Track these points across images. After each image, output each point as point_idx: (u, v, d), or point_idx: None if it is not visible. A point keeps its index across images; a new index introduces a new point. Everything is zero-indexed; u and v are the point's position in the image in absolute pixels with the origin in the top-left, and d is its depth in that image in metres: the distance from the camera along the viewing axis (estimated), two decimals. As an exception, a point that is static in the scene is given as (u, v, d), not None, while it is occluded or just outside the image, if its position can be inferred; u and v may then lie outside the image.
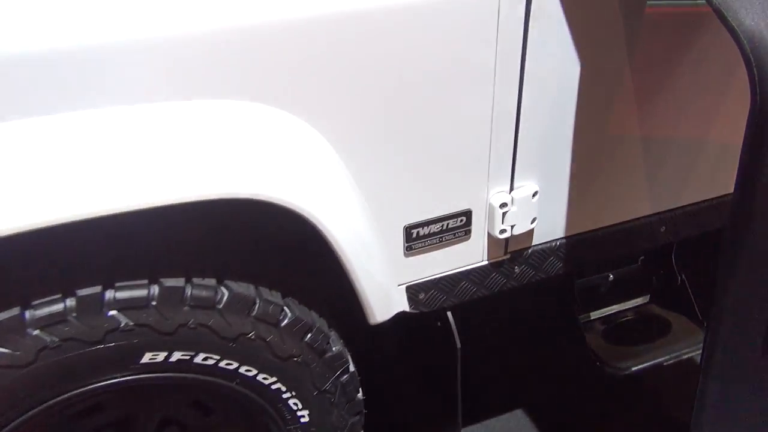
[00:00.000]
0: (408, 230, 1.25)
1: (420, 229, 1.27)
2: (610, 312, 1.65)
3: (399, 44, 1.07)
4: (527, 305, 1.63)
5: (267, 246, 1.19)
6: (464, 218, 1.29)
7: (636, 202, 1.46)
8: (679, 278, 1.63)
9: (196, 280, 1.07)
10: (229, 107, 0.99)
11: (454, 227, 1.29)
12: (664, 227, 1.51)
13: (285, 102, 1.04)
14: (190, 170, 0.95)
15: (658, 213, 1.49)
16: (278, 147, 1.04)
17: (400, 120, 1.14)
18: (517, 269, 1.42)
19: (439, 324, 1.46)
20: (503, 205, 1.29)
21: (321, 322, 1.23)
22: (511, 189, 1.31)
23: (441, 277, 1.35)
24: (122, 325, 1.02)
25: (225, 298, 1.09)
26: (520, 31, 1.15)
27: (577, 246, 1.45)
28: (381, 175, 1.18)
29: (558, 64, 1.21)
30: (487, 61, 1.15)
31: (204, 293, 1.07)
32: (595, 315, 1.64)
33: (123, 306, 1.01)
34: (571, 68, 1.23)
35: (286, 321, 1.16)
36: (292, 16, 0.99)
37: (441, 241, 1.30)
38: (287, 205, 1.03)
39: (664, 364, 1.49)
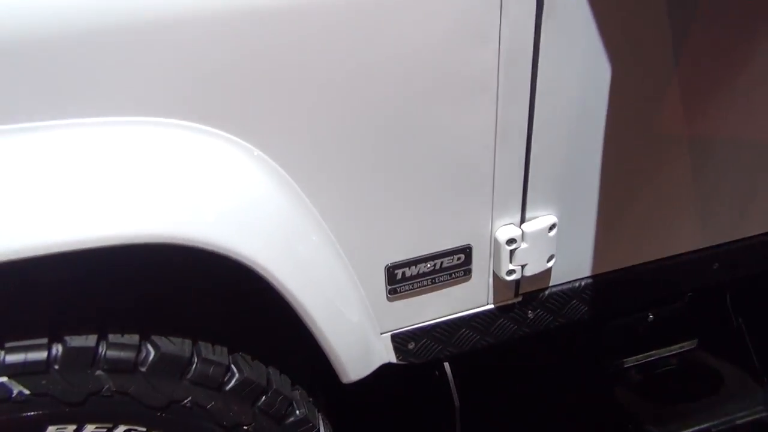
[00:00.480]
0: (390, 271, 1.02)
1: (406, 270, 1.03)
2: (648, 359, 1.39)
3: (370, 42, 0.84)
4: (543, 348, 1.38)
5: (210, 291, 0.98)
6: (462, 256, 1.05)
7: (682, 233, 1.19)
8: (735, 321, 1.36)
9: (112, 338, 0.86)
10: (130, 126, 0.78)
11: (450, 266, 1.06)
12: (717, 264, 1.24)
13: (214, 118, 0.82)
14: (72, 210, 0.74)
15: (710, 247, 1.22)
16: (203, 175, 0.82)
17: (374, 138, 0.91)
18: (530, 314, 1.17)
19: (437, 373, 1.23)
20: (511, 241, 1.04)
21: (282, 382, 1.02)
22: (522, 221, 1.06)
23: (435, 324, 1.11)
24: (15, 394, 0.82)
25: (151, 358, 0.88)
26: (530, 27, 0.90)
27: (608, 286, 1.20)
28: (352, 206, 0.95)
29: (581, 65, 0.96)
30: (486, 64, 0.90)
31: (122, 354, 0.87)
32: (628, 362, 1.38)
33: (16, 371, 0.82)
34: (599, 71, 0.97)
35: (232, 383, 0.95)
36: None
37: (434, 283, 1.06)
38: (216, 249, 0.82)
39: (713, 431, 1.23)
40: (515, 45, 0.90)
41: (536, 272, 1.09)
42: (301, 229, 0.91)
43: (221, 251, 0.82)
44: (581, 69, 0.96)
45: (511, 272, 1.07)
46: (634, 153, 1.07)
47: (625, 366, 1.37)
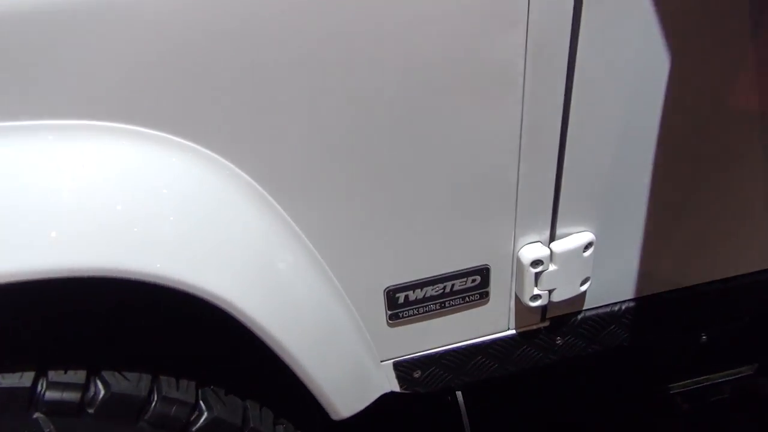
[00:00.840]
0: (390, 295, 0.87)
1: (409, 293, 0.88)
2: (698, 385, 1.21)
3: (362, 27, 0.67)
4: (577, 371, 1.21)
5: (175, 316, 0.84)
6: (478, 278, 0.89)
7: (743, 252, 1.00)
8: (804, 347, 1.16)
9: (53, 375, 0.74)
10: (58, 132, 0.63)
11: (464, 290, 0.89)
12: (785, 286, 1.04)
13: (163, 120, 0.67)
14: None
15: (777, 268, 1.03)
16: (142, 189, 0.68)
17: (372, 141, 0.74)
18: (559, 340, 1.00)
19: (449, 399, 1.08)
20: (537, 263, 0.87)
21: (262, 417, 0.88)
22: (552, 238, 0.89)
23: (445, 351, 0.96)
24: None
25: (100, 398, 0.75)
26: (568, 6, 0.71)
27: (654, 310, 1.02)
28: (343, 222, 0.80)
29: (631, 56, 0.77)
30: (510, 52, 0.72)
31: (65, 394, 0.74)
32: (675, 388, 1.20)
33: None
34: (654, 63, 0.78)
35: (200, 423, 0.82)
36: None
37: (443, 307, 0.90)
38: (160, 282, 0.67)
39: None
40: (548, 27, 0.72)
41: (566, 298, 0.92)
42: (276, 252, 0.76)
43: (164, 283, 0.68)
44: (631, 60, 0.76)
45: (535, 298, 0.90)
46: (691, 162, 0.88)
47: (671, 392, 1.19)
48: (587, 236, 0.89)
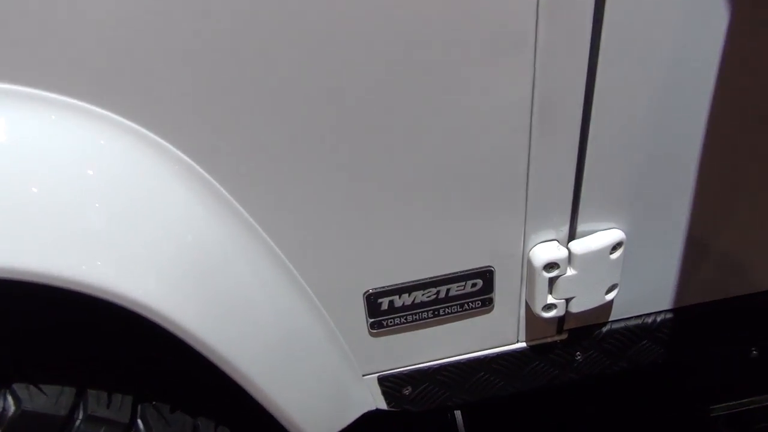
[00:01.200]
0: (371, 300, 0.72)
1: (394, 298, 0.73)
2: (745, 408, 1.03)
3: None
4: (600, 387, 1.05)
5: (110, 322, 0.71)
6: (480, 282, 0.74)
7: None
8: None
9: (-51, 389, 0.61)
10: None
11: (462, 295, 0.74)
12: None
13: (91, 92, 0.53)
14: None
15: None
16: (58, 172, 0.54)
17: (347, 117, 0.59)
18: (579, 356, 0.84)
19: (447, 418, 0.93)
20: (552, 266, 0.71)
21: (217, 437, 0.75)
22: (571, 237, 0.72)
23: (441, 366, 0.81)
24: None
25: (10, 416, 0.62)
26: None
27: (695, 323, 0.85)
28: (310, 212, 0.65)
29: (679, 8, 0.60)
30: (517, 3, 0.56)
31: (-37, 412, 0.61)
32: (718, 410, 1.03)
33: None
34: (706, 20, 0.61)
35: (136, 446, 0.68)
36: None
37: (437, 315, 0.75)
38: (74, 287, 0.54)
39: None
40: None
41: (588, 308, 0.76)
42: (224, 251, 0.62)
43: (76, 288, 0.54)
44: (677, 13, 0.60)
45: (549, 308, 0.75)
46: (747, 148, 0.70)
47: (712, 415, 1.02)
48: (615, 235, 0.72)
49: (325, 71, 0.56)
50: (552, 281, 0.73)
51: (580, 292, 0.74)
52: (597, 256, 0.72)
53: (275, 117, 0.58)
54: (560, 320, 0.80)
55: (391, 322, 0.74)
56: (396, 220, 0.67)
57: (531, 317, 0.79)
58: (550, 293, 0.74)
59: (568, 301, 0.75)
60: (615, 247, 0.73)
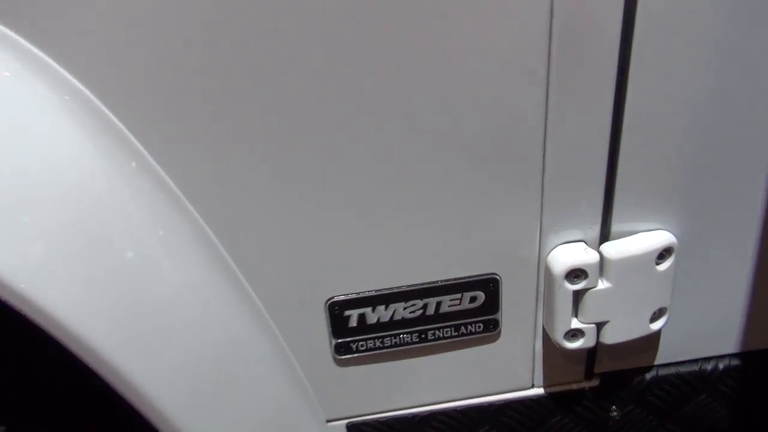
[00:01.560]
0: (336, 311, 0.54)
1: (366, 311, 0.55)
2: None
3: None
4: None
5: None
6: (481, 296, 0.55)
7: None
8: None
9: None
10: None
11: (458, 313, 0.56)
12: None
13: None
14: None
15: None
16: None
17: (307, 80, 0.44)
18: (616, 412, 0.64)
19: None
20: (578, 275, 0.53)
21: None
22: (604, 237, 0.54)
23: (431, 414, 0.61)
24: None
25: None
26: None
27: (770, 375, 0.65)
28: (256, 192, 0.49)
29: None
30: None
31: None
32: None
33: None
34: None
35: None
36: None
37: (423, 340, 0.57)
38: None
39: None
40: None
41: (626, 339, 0.57)
42: (133, 236, 0.46)
43: None
44: None
45: (574, 336, 0.56)
46: None
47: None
48: (664, 237, 0.54)
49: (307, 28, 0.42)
50: (578, 297, 0.54)
51: (615, 314, 0.55)
52: (639, 264, 0.54)
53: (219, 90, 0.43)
54: (590, 358, 0.61)
55: (362, 345, 0.56)
56: (368, 205, 0.50)
57: (551, 351, 0.60)
58: (576, 315, 0.55)
59: (599, 327, 0.56)
60: (663, 255, 0.54)
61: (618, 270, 0.53)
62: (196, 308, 0.50)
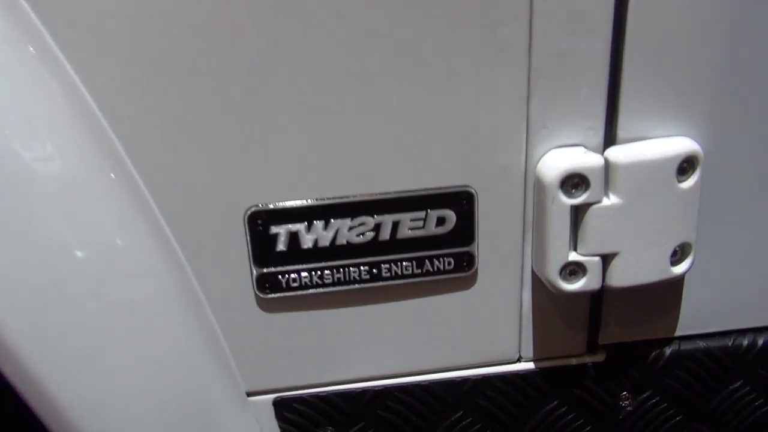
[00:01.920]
0: (259, 226, 0.41)
1: (299, 229, 0.42)
2: None
3: None
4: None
5: None
6: (451, 215, 0.42)
7: None
8: None
9: None
10: None
11: (421, 240, 0.43)
12: None
13: None
14: None
15: None
16: None
17: None
18: (628, 401, 0.49)
19: None
20: (576, 183, 0.41)
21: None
22: (609, 141, 0.42)
23: (386, 390, 0.47)
24: None
25: None
26: None
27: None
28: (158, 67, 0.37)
29: None
30: None
31: None
32: None
33: None
34: None
35: None
36: None
37: (376, 278, 0.43)
38: None
39: None
40: None
41: (642, 281, 0.43)
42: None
43: None
44: None
45: (573, 272, 0.42)
46: None
47: None
48: (686, 144, 0.42)
49: None
50: (578, 217, 0.41)
51: (626, 243, 0.42)
52: (655, 174, 0.41)
53: None
54: (593, 321, 0.47)
55: (294, 280, 0.43)
56: (304, 89, 0.39)
57: (544, 307, 0.46)
58: (575, 246, 0.42)
59: (606, 263, 0.42)
60: (685, 169, 0.42)
61: (629, 180, 0.41)
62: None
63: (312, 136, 0.40)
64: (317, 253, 0.42)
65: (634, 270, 0.43)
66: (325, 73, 0.39)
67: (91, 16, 0.36)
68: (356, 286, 0.43)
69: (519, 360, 0.48)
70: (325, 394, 0.46)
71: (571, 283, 0.43)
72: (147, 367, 0.41)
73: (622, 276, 0.43)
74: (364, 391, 0.46)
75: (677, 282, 0.47)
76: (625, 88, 0.41)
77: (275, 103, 0.39)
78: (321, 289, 0.43)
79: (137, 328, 0.40)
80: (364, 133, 0.40)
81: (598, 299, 0.47)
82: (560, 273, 0.42)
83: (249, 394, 0.46)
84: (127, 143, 0.39)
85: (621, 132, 0.42)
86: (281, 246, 0.42)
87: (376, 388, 0.46)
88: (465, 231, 0.43)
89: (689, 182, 0.42)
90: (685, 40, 0.40)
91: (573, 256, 0.42)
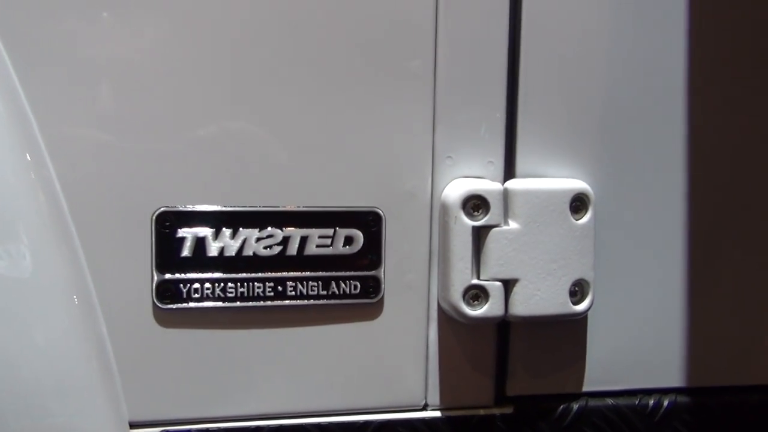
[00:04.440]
0: (167, 231, 0.41)
1: (206, 234, 0.42)
2: None
3: None
4: None
5: None
6: (359, 236, 0.43)
7: None
8: None
9: None
10: None
11: (328, 259, 0.43)
12: None
13: None
14: None
15: None
16: None
17: None
18: (537, 461, 0.47)
19: None
20: (477, 205, 0.43)
21: None
22: (509, 175, 0.45)
23: (280, 429, 0.44)
24: None
25: None
26: None
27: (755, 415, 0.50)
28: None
29: None
30: None
31: None
32: None
33: None
34: None
35: None
36: None
37: (279, 296, 0.43)
38: None
39: None
40: None
41: (542, 312, 0.44)
42: None
43: None
44: None
45: (476, 297, 0.43)
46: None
47: None
48: (577, 184, 0.45)
49: None
50: (480, 243, 0.43)
51: (526, 270, 0.43)
52: (550, 205, 0.44)
53: None
54: (500, 369, 0.46)
55: (196, 290, 0.41)
56: (221, 97, 0.42)
57: (452, 349, 0.45)
58: (477, 269, 0.43)
59: (507, 289, 0.43)
60: (578, 206, 0.45)
61: (526, 206, 0.43)
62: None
63: (227, 143, 0.42)
64: (222, 262, 0.42)
65: (534, 299, 0.44)
66: (245, 86, 0.42)
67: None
68: (260, 303, 0.42)
69: (425, 408, 0.46)
70: (215, 430, 0.43)
71: (474, 309, 0.43)
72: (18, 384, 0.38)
73: (523, 305, 0.43)
74: (257, 429, 0.43)
75: (581, 333, 0.48)
76: (521, 129, 0.45)
77: (197, 106, 0.41)
78: (222, 303, 0.42)
79: (17, 340, 0.38)
80: (279, 147, 0.42)
81: (505, 340, 0.46)
82: (463, 297, 0.43)
83: (132, 426, 0.42)
84: (44, 132, 0.40)
85: (519, 168, 0.45)
86: (186, 251, 0.41)
87: (271, 427, 0.43)
88: (372, 253, 0.44)
89: (583, 220, 0.45)
90: (571, 91, 0.46)
91: (476, 280, 0.43)
